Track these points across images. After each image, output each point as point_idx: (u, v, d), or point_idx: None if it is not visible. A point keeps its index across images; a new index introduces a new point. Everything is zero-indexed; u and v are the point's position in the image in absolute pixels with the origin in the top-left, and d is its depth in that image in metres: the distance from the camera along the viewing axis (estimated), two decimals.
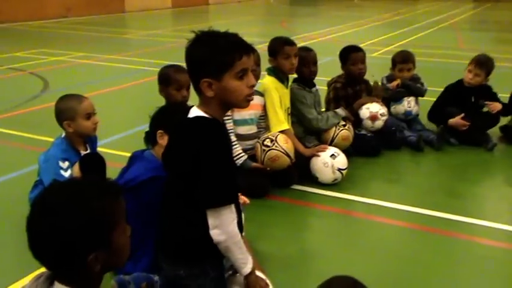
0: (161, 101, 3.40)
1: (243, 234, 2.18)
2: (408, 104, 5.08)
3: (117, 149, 4.46)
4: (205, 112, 2.06)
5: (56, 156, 3.06)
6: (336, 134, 4.32)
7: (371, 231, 3.48)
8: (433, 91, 5.40)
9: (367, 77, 4.89)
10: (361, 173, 4.31)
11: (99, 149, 3.41)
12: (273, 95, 4.02)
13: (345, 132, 4.36)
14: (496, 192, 4.17)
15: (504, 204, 3.94)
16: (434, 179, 4.36)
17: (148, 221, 2.45)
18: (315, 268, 2.98)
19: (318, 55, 4.47)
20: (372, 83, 4.90)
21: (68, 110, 3.08)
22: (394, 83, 5.09)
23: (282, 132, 3.98)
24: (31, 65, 8.95)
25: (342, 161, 4.03)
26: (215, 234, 2.05)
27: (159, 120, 2.68)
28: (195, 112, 2.09)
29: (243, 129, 3.95)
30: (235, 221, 2.10)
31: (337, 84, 4.78)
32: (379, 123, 4.72)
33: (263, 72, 4.09)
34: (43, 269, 1.47)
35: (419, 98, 5.17)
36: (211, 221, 2.04)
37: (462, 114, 4.87)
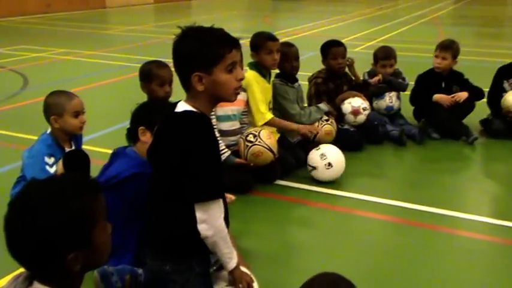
0: (144, 97, 3.38)
1: (228, 229, 2.18)
2: (390, 99, 5.11)
3: (100, 146, 4.42)
4: (193, 106, 2.07)
5: (42, 151, 3.03)
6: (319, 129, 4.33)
7: (354, 225, 3.50)
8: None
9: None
10: (344, 167, 4.33)
11: (82, 146, 3.38)
12: (255, 89, 4.03)
13: (328, 127, 4.38)
14: (477, 185, 4.23)
15: (485, 196, 4.00)
16: (416, 173, 4.40)
17: (130, 218, 2.44)
18: (299, 263, 2.98)
19: (300, 50, 4.47)
20: (348, 62, 4.88)
21: (56, 105, 3.05)
22: (376, 79, 5.12)
23: (266, 123, 3.99)
24: (11, 61, 8.82)
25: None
26: (203, 228, 2.05)
27: (140, 116, 2.66)
28: (183, 106, 2.09)
29: (226, 125, 3.95)
30: (223, 216, 2.10)
31: (318, 80, 4.80)
32: (361, 118, 4.75)
33: (245, 67, 4.08)
34: (22, 269, 1.45)
35: (401, 92, 5.22)
36: (199, 215, 2.04)
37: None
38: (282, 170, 4.01)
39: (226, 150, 3.79)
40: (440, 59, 5.05)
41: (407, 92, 5.27)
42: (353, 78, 4.99)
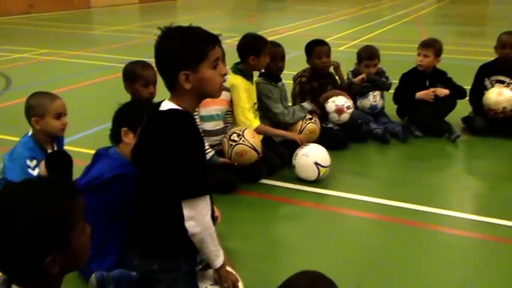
0: (128, 98, 3.36)
1: (214, 227, 2.19)
2: (374, 98, 5.15)
3: (83, 147, 4.39)
4: (179, 105, 2.09)
5: (23, 154, 3.00)
6: (303, 128, 4.36)
7: (339, 223, 3.53)
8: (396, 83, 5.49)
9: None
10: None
11: (65, 147, 3.36)
12: (242, 96, 4.03)
13: (311, 125, 4.40)
14: (460, 182, 4.28)
15: (468, 193, 4.05)
16: (400, 171, 4.45)
17: (113, 219, 2.44)
18: (284, 262, 3.00)
19: (285, 49, 4.49)
20: (332, 65, 4.91)
21: (38, 106, 3.01)
22: (360, 77, 5.16)
23: (255, 129, 3.99)
24: None
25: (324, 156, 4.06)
26: (190, 226, 2.06)
27: (123, 117, 2.65)
28: (168, 105, 2.10)
29: (210, 125, 3.95)
30: (210, 213, 2.12)
31: (303, 79, 4.82)
32: (345, 117, 4.78)
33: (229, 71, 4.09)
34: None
35: (385, 91, 5.26)
36: (186, 212, 2.05)
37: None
38: (266, 169, 4.03)
39: (210, 150, 3.79)
40: (422, 56, 5.10)
41: (391, 91, 5.31)
42: (338, 80, 5.01)
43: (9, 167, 3.03)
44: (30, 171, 2.96)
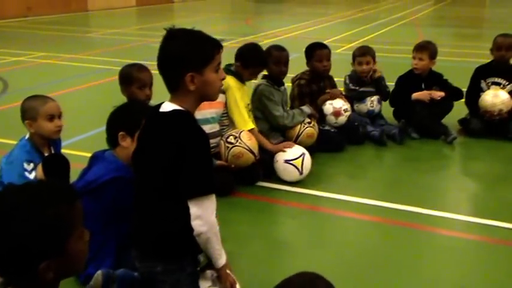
0: (124, 101, 3.37)
1: None
2: (371, 103, 5.15)
3: (81, 150, 4.39)
4: (181, 106, 2.12)
5: (21, 157, 3.00)
6: (301, 132, 4.36)
7: (336, 225, 3.53)
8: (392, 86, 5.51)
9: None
10: (326, 168, 4.37)
11: (62, 150, 3.36)
12: (237, 95, 4.04)
13: (310, 130, 4.41)
14: (456, 184, 4.29)
15: (464, 195, 4.06)
16: (397, 173, 4.45)
17: (110, 222, 2.44)
18: (281, 264, 3.00)
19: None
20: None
21: (30, 109, 3.02)
22: (376, 74, 5.13)
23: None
24: None
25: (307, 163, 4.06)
26: (197, 225, 2.08)
27: (119, 121, 2.65)
28: (170, 106, 2.13)
29: (206, 128, 3.89)
30: (215, 212, 2.15)
31: (302, 81, 4.83)
32: (342, 119, 4.79)
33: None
34: None
35: (382, 99, 5.25)
36: (193, 211, 2.07)
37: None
38: (263, 171, 4.03)
39: None
40: (417, 59, 5.12)
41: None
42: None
43: (6, 170, 3.04)
44: (27, 174, 2.96)
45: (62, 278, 1.46)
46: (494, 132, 5.09)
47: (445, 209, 3.67)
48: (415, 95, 5.06)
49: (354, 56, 5.24)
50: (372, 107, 5.17)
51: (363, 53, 5.18)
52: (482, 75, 5.25)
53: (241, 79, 4.16)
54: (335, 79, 5.09)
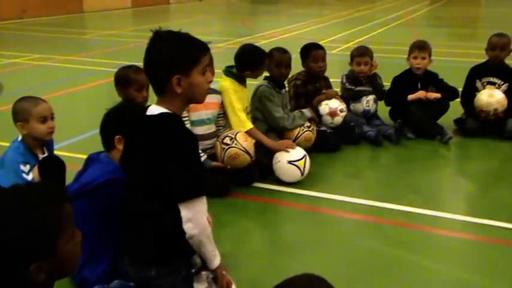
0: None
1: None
2: (367, 103, 5.16)
3: (76, 152, 4.38)
4: (168, 109, 2.11)
5: (16, 160, 2.99)
6: (299, 134, 4.34)
7: (333, 226, 3.53)
8: (388, 86, 5.51)
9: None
10: (322, 169, 4.36)
11: (57, 152, 3.36)
12: (232, 97, 4.04)
13: (308, 134, 4.40)
14: (452, 184, 4.30)
15: (460, 194, 4.07)
16: (393, 173, 4.46)
17: (105, 224, 2.43)
18: (278, 265, 3.00)
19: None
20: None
21: (22, 111, 3.01)
22: (373, 68, 5.14)
23: (246, 132, 4.00)
24: None
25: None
26: (189, 228, 2.08)
27: (115, 124, 2.63)
28: (157, 109, 2.12)
29: (201, 129, 3.94)
30: (206, 214, 2.15)
31: (298, 82, 4.83)
32: (338, 119, 4.79)
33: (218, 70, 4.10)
34: None
35: (377, 97, 5.25)
36: (184, 214, 2.07)
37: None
38: (259, 172, 4.03)
39: (202, 153, 3.79)
40: (420, 59, 5.12)
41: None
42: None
43: (3, 174, 3.01)
44: (24, 176, 2.96)
45: (55, 279, 1.45)
46: (489, 131, 5.10)
47: (441, 208, 3.68)
48: (411, 97, 5.07)
49: (352, 56, 5.24)
50: (368, 106, 5.17)
51: (361, 53, 5.18)
52: (477, 75, 5.26)
53: (241, 81, 4.16)
54: (331, 80, 5.10)
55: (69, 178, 2.84)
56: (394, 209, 3.68)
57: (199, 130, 3.90)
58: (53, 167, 2.80)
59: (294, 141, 4.31)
